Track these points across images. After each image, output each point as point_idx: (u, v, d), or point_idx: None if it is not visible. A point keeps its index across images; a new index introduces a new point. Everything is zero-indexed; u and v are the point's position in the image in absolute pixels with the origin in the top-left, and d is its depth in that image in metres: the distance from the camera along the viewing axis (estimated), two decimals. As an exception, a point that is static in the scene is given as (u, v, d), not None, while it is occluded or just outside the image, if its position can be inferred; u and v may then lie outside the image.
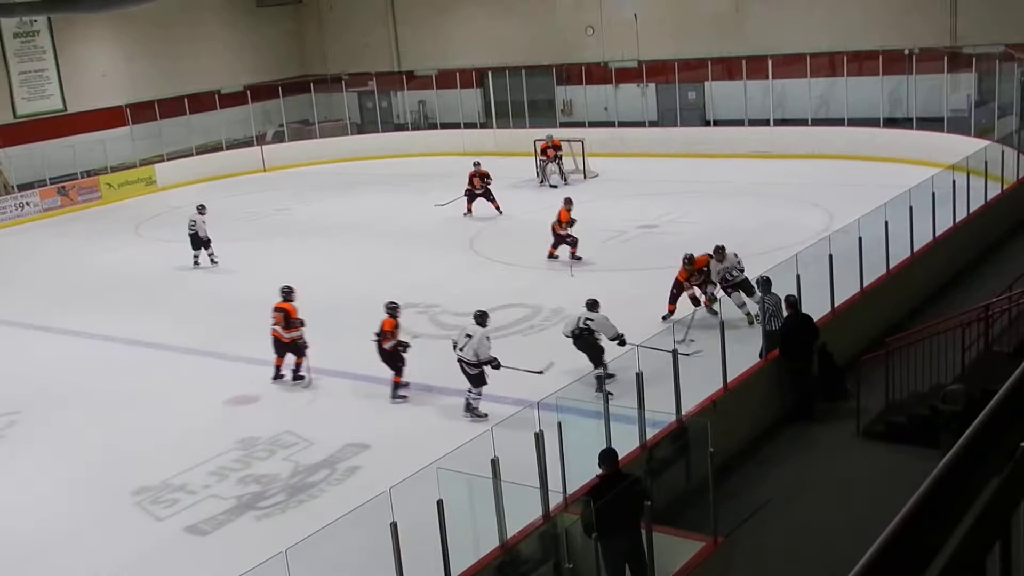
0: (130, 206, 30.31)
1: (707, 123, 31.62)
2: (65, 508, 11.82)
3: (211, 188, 31.38)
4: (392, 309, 14.04)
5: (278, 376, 15.04)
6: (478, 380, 13.04)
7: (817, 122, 28.67)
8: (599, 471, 8.52)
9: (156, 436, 13.49)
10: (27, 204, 29.46)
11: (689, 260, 15.61)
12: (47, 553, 10.87)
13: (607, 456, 8.59)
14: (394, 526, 7.36)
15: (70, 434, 13.87)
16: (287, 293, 15.26)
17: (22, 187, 29.93)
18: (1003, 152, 20.66)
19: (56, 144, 31.16)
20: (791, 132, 28.89)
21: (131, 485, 12.04)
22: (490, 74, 34.47)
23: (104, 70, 34.22)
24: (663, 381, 10.63)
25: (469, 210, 24.71)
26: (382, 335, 13.84)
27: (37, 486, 12.49)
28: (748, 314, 14.91)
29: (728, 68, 31.15)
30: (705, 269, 15.62)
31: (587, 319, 13.51)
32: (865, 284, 14.34)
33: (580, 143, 28.45)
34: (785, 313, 12.68)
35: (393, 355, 13.87)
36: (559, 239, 19.74)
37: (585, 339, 13.52)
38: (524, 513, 8.79)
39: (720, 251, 15.56)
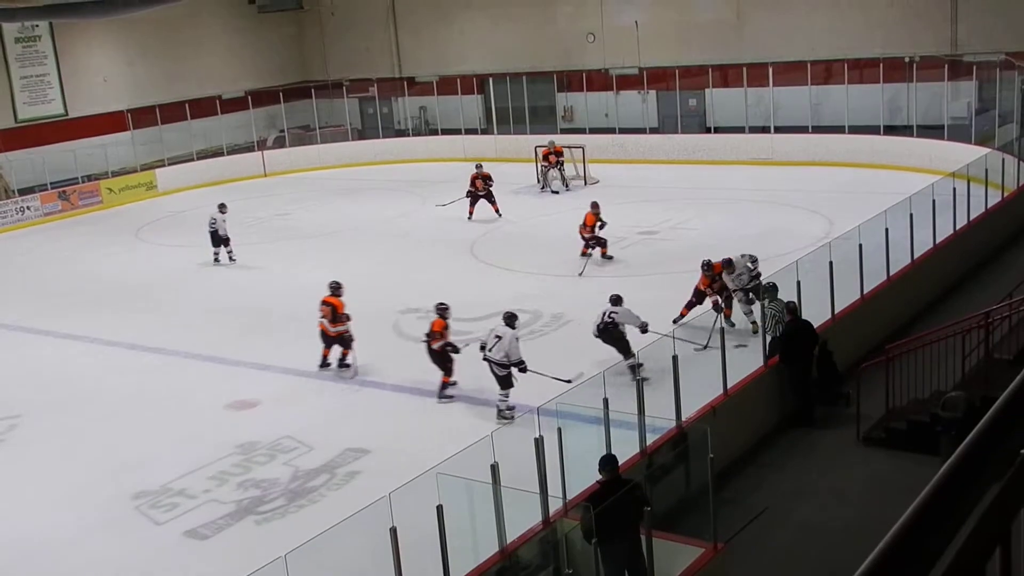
0: (131, 211, 30.34)
1: (707, 130, 31.63)
2: (65, 512, 11.80)
3: (212, 193, 31.34)
4: (442, 310, 14.03)
5: (324, 365, 15.29)
6: (505, 382, 13.07)
7: (817, 129, 28.69)
8: (599, 477, 8.52)
9: (156, 440, 13.50)
10: (28, 208, 29.49)
11: (708, 266, 15.55)
12: (47, 557, 10.86)
13: (607, 462, 8.59)
14: (394, 531, 7.36)
15: (70, 438, 13.87)
16: (335, 288, 15.40)
17: (23, 191, 29.95)
18: (1003, 160, 20.69)
19: (57, 149, 31.19)
20: (791, 139, 28.92)
21: (131, 489, 12.05)
22: (491, 80, 34.50)
23: (105, 75, 34.27)
24: (664, 386, 10.63)
25: (471, 213, 24.76)
26: (431, 335, 13.85)
27: (37, 490, 12.49)
28: (754, 323, 14.81)
29: (728, 75, 31.18)
30: (719, 277, 15.54)
31: (612, 313, 13.88)
32: (865, 291, 14.34)
33: (581, 149, 28.50)
34: (786, 319, 12.70)
35: (442, 355, 13.83)
36: (588, 241, 19.87)
37: (611, 332, 13.84)
38: (524, 518, 8.79)
39: (729, 264, 15.45)
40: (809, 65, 29.02)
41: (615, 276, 19.04)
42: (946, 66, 26.73)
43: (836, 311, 13.62)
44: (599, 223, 19.92)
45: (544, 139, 28.96)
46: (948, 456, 2.00)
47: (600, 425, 9.77)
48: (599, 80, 33.28)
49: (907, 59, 27.62)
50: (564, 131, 32.14)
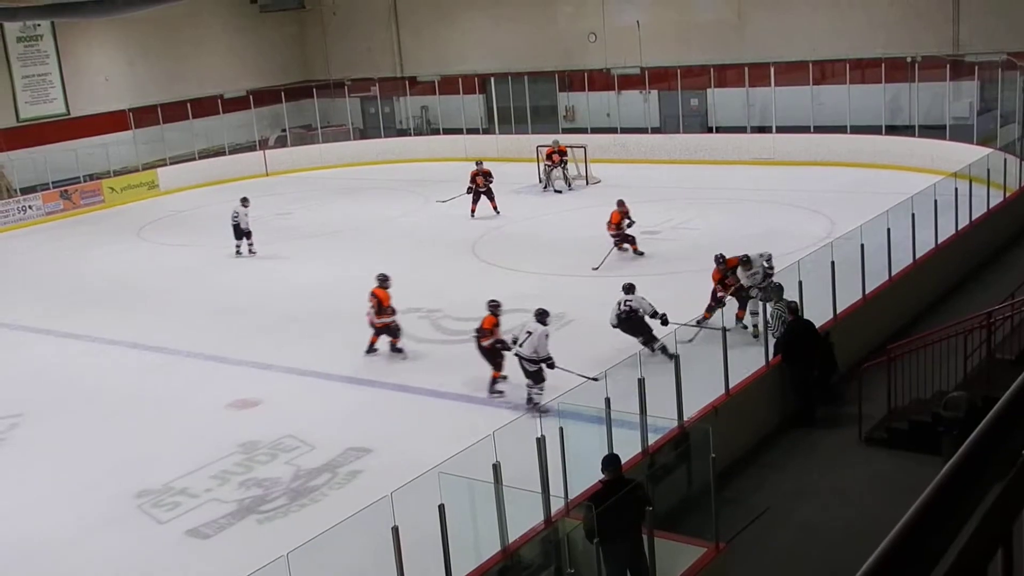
0: (132, 210, 30.36)
1: (709, 130, 31.63)
2: (67, 511, 11.81)
3: (213, 192, 31.44)
4: (494, 307, 13.95)
5: (371, 351, 15.53)
6: (537, 377, 13.11)
7: (819, 129, 28.67)
8: (601, 476, 8.53)
9: (158, 439, 13.51)
10: (30, 208, 29.51)
11: (721, 259, 15.41)
12: (48, 556, 10.87)
13: (610, 462, 8.60)
14: (395, 530, 7.36)
15: (72, 437, 13.89)
16: (382, 280, 15.57)
17: (25, 191, 29.97)
18: (1005, 160, 20.68)
19: (59, 148, 31.21)
20: (793, 139, 28.90)
21: (133, 488, 12.05)
22: (492, 80, 34.52)
23: (107, 74, 34.30)
24: (666, 385, 10.63)
25: (474, 210, 24.81)
26: (481, 332, 13.83)
27: (39, 489, 12.50)
28: (755, 326, 14.72)
29: (730, 75, 31.17)
30: (734, 274, 15.34)
31: (627, 301, 14.09)
32: (867, 291, 14.34)
33: (582, 149, 28.49)
34: (788, 319, 12.70)
35: (492, 352, 13.79)
36: (616, 238, 19.92)
37: (632, 320, 14.04)
38: (526, 518, 8.79)
39: (747, 261, 15.31)
40: (810, 65, 29.01)
41: (616, 276, 18.97)
42: (948, 66, 26.73)
43: (838, 311, 13.61)
44: (626, 221, 19.93)
45: (545, 139, 28.97)
46: (950, 456, 2.00)
47: (602, 424, 9.77)
48: (601, 80, 33.27)
49: (909, 59, 27.62)
50: (566, 131, 32.13)
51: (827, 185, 25.51)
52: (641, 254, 20.01)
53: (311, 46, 39.80)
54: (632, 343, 13.95)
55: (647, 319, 14.14)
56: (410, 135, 36.33)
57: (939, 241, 16.41)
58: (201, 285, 21.30)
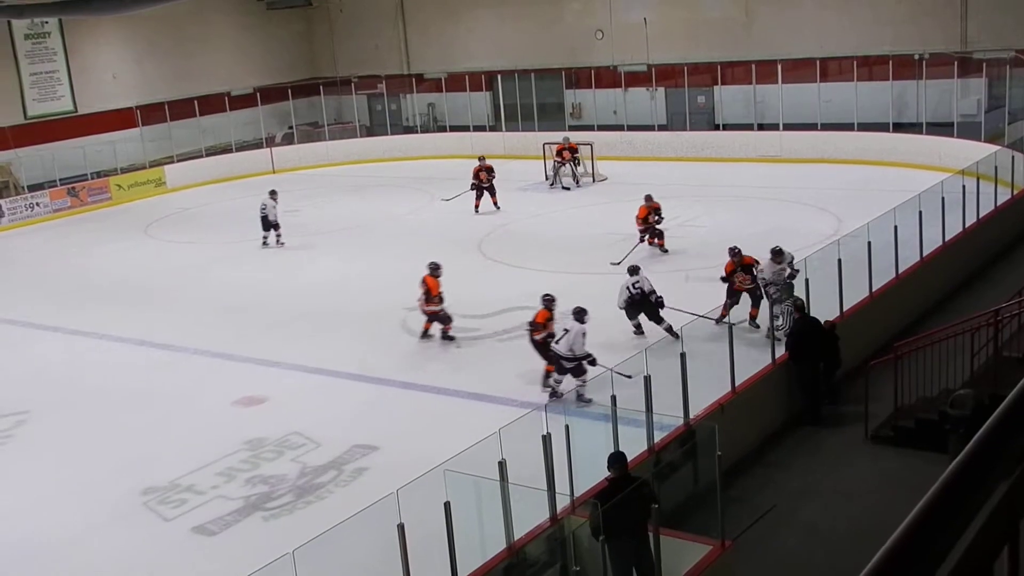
0: (140, 207, 30.40)
1: (716, 127, 31.60)
2: (73, 508, 11.84)
3: (220, 189, 31.50)
4: (548, 301, 13.87)
5: (425, 336, 15.87)
6: (577, 371, 13.09)
7: (826, 126, 28.61)
8: (607, 474, 8.52)
9: (164, 436, 13.53)
10: (37, 205, 29.57)
11: (736, 252, 15.04)
12: (55, 553, 10.89)
13: (616, 459, 8.59)
14: (401, 528, 7.36)
15: (79, 434, 13.91)
16: (433, 268, 15.74)
17: (32, 188, 30.02)
18: (1013, 157, 20.65)
19: (66, 145, 31.26)
20: (800, 136, 28.84)
21: (139, 485, 12.07)
22: (499, 77, 34.51)
23: (114, 72, 34.33)
24: (672, 383, 10.62)
25: (478, 206, 24.84)
26: (534, 326, 13.77)
27: (45, 486, 12.52)
28: (779, 327, 14.42)
29: (737, 72, 31.13)
30: (753, 269, 14.93)
31: (636, 283, 14.47)
32: (874, 288, 14.31)
33: (589, 146, 28.47)
34: (794, 316, 12.69)
35: (544, 346, 13.66)
36: (642, 233, 19.90)
37: (644, 301, 14.49)
38: (531, 515, 8.79)
39: (780, 253, 14.80)
40: (818, 62, 28.95)
41: (624, 273, 18.98)
42: (956, 63, 26.67)
43: (845, 309, 13.59)
44: (654, 216, 19.87)
45: (552, 136, 28.95)
46: (956, 454, 1.99)
47: (608, 422, 9.77)
48: (607, 77, 33.24)
49: (916, 56, 27.53)
50: (572, 128, 32.12)
51: (834, 182, 25.46)
52: (666, 251, 19.88)
53: (318, 43, 39.82)
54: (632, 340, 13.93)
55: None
56: (417, 132, 36.35)
57: (946, 239, 16.37)
58: (208, 282, 21.32)
